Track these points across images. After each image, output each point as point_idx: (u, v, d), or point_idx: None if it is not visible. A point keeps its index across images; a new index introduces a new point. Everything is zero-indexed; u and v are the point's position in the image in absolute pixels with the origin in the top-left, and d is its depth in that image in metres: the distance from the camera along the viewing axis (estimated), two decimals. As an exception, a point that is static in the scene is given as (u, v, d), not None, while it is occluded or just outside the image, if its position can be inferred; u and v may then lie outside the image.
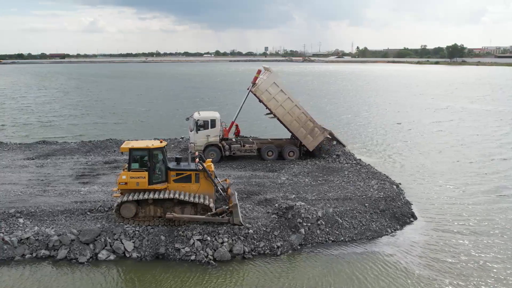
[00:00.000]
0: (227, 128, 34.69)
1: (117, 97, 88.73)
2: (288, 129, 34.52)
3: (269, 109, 33.94)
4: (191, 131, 33.09)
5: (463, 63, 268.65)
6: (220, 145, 32.97)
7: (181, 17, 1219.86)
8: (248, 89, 34.03)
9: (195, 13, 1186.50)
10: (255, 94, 33.34)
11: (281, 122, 34.34)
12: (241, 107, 35.02)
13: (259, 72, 34.86)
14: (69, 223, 21.03)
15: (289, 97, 33.72)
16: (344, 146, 36.05)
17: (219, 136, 33.29)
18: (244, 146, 33.63)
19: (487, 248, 20.46)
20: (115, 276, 18.07)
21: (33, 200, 23.69)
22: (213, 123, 32.91)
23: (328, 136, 36.17)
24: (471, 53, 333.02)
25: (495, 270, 18.55)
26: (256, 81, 33.80)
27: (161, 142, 21.80)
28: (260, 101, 33.61)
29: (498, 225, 22.93)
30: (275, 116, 34.10)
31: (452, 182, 30.04)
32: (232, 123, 35.04)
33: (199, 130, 32.67)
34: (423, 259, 19.49)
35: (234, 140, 34.58)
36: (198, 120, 32.85)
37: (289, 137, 35.82)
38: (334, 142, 35.47)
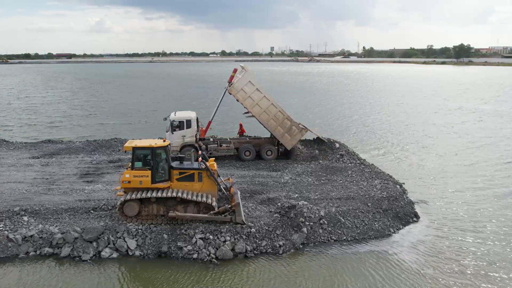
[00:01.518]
0: (203, 128, 34.48)
1: (123, 97, 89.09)
2: (266, 128, 34.21)
3: (246, 108, 33.78)
4: (167, 131, 33.00)
5: (470, 63, 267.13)
6: (196, 145, 32.71)
7: (187, 17, 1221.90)
8: (225, 88, 33.82)
9: (201, 13, 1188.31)
10: (231, 93, 33.15)
11: (259, 121, 34.08)
12: (218, 106, 34.92)
13: (235, 71, 34.44)
14: (72, 221, 21.21)
15: (265, 95, 33.42)
16: (325, 141, 35.34)
17: (196, 136, 33.01)
18: (221, 146, 33.46)
19: (490, 249, 20.41)
20: (118, 274, 18.20)
21: (38, 199, 23.89)
22: (188, 123, 32.61)
23: (320, 136, 35.81)
24: (478, 53, 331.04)
25: (498, 271, 18.51)
26: (232, 80, 33.55)
27: (164, 141, 21.95)
28: (238, 100, 33.38)
29: (502, 227, 22.79)
30: (253, 115, 33.87)
31: (459, 184, 29.83)
32: (209, 123, 34.71)
33: (174, 130, 32.37)
34: (425, 258, 19.48)
35: (212, 140, 34.33)
36: (173, 120, 32.59)
37: (269, 136, 35.45)
38: (337, 145, 35.14)
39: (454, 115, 61.92)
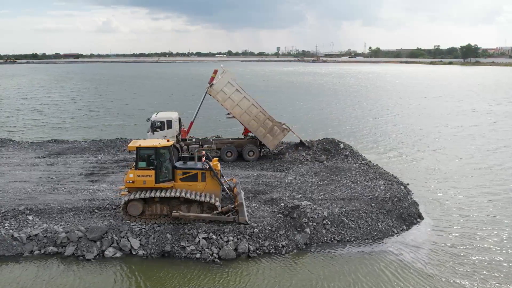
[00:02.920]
0: (185, 129, 34.31)
1: (129, 97, 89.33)
2: (248, 129, 33.94)
3: (227, 109, 33.56)
4: (148, 132, 32.98)
5: (477, 63, 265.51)
6: (177, 145, 32.31)
7: (194, 17, 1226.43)
8: (206, 89, 33.46)
9: (208, 13, 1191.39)
10: (211, 95, 32.93)
11: (240, 122, 33.86)
12: (199, 107, 34.64)
13: (215, 72, 34.03)
14: (77, 220, 21.36)
15: (245, 96, 33.19)
16: (306, 145, 34.83)
17: (177, 136, 32.82)
18: (202, 146, 33.22)
19: (494, 250, 20.32)
20: (121, 273, 18.28)
21: (43, 198, 24.08)
22: (169, 123, 32.61)
23: (301, 140, 35.31)
24: (485, 53, 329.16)
25: (502, 271, 18.42)
26: (213, 81, 33.25)
27: (168, 141, 22.05)
28: (218, 101, 33.11)
29: (507, 229, 22.64)
30: (234, 116, 33.64)
31: (468, 186, 29.36)
32: (191, 123, 34.54)
33: (155, 131, 32.35)
34: (430, 259, 19.43)
35: (194, 140, 34.17)
36: (154, 121, 32.60)
37: (252, 137, 35.06)
38: (342, 145, 35.00)
39: (467, 117, 60.59)
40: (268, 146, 33.77)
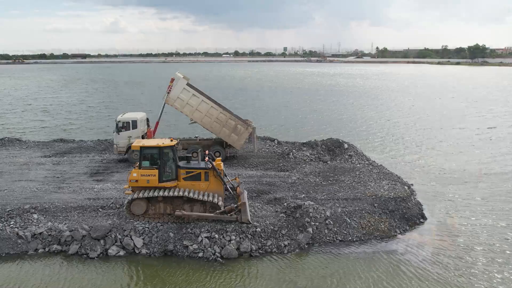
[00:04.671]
0: (151, 130, 34.05)
1: (134, 98, 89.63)
2: (212, 132, 33.34)
3: (187, 116, 33.01)
4: (113, 132, 32.96)
5: (484, 63, 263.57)
6: None
7: (201, 17, 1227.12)
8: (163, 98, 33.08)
9: (215, 14, 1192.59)
10: (168, 104, 32.43)
11: (202, 126, 33.16)
12: (162, 111, 33.86)
13: (172, 80, 33.35)
14: (81, 219, 21.58)
15: (203, 99, 32.38)
16: (255, 148, 33.54)
17: (142, 137, 32.48)
18: None
19: (499, 251, 20.28)
20: (124, 271, 18.47)
21: (48, 197, 24.31)
22: (134, 124, 32.46)
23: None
24: (493, 53, 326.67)
25: (506, 271, 18.41)
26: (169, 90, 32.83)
27: (171, 140, 22.19)
28: (177, 109, 32.58)
29: (510, 230, 22.58)
30: (195, 121, 33.00)
31: (474, 189, 29.04)
32: (157, 123, 34.19)
33: (120, 131, 32.23)
34: (432, 258, 19.46)
35: None
36: (119, 121, 32.49)
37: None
38: (346, 146, 34.92)
39: (482, 118, 59.05)
40: (235, 146, 32.89)
